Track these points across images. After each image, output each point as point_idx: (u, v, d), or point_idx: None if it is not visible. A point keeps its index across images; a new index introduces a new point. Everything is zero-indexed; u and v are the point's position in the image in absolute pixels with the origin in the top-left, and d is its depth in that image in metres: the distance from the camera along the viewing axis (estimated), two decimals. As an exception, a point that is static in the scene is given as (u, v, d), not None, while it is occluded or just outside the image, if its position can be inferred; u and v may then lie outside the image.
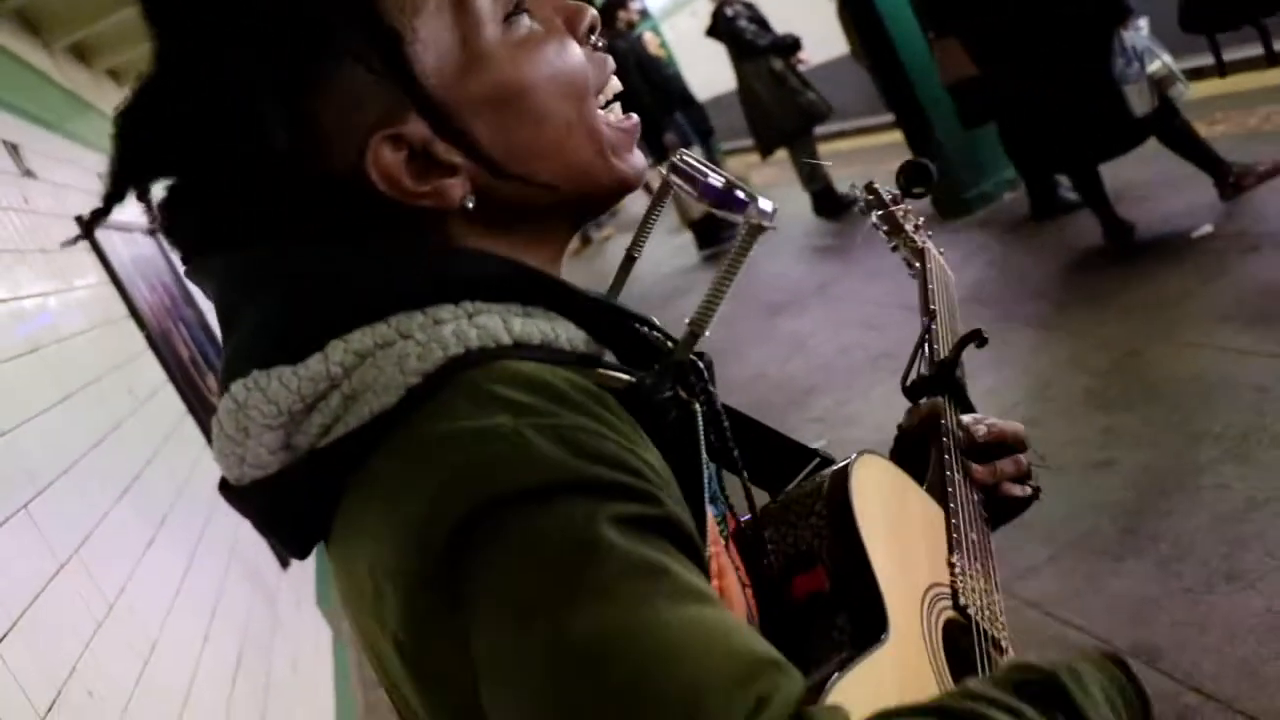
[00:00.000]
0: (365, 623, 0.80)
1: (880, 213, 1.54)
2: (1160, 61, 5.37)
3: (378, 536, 0.74)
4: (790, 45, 9.61)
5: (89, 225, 0.93)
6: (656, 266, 10.31)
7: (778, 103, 9.53)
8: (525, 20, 0.87)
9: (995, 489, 1.17)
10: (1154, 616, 3.02)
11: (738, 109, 10.03)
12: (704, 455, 0.86)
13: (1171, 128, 5.61)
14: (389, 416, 0.76)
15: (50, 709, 2.06)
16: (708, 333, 0.89)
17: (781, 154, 9.99)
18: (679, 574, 0.68)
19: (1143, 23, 5.38)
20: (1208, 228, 5.47)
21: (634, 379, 0.83)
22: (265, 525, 0.87)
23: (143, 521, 3.31)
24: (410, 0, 0.82)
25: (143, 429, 3.84)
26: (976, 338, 1.31)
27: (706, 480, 0.87)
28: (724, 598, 0.81)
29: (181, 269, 0.92)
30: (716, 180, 0.91)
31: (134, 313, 4.57)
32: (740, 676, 0.64)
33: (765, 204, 0.89)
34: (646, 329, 0.91)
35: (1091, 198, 5.92)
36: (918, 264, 1.48)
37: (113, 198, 0.87)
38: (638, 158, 0.93)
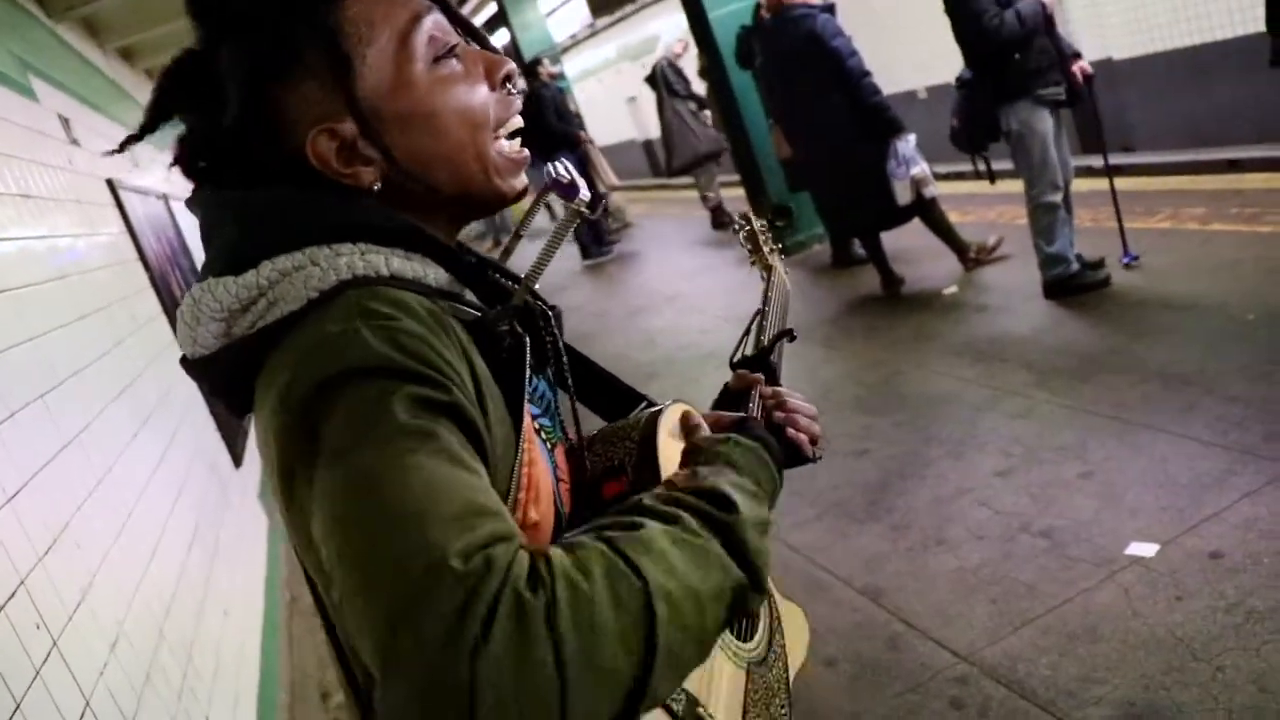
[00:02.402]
0: (266, 470, 0.82)
1: (748, 232, 1.55)
2: (920, 168, 5.55)
3: (269, 400, 0.78)
4: (701, 102, 9.81)
5: (123, 145, 0.98)
6: (555, 264, 10.25)
7: (695, 130, 9.76)
8: (452, 63, 0.90)
9: (784, 433, 1.13)
10: (882, 566, 3.09)
11: (624, 153, 10.06)
12: (528, 375, 0.89)
13: (929, 214, 5.79)
14: (293, 318, 0.80)
15: (47, 552, 2.04)
16: (538, 285, 0.93)
17: (665, 194, 10.03)
18: (442, 440, 0.72)
19: (911, 138, 5.54)
20: (954, 289, 5.62)
21: (480, 314, 0.88)
22: (212, 390, 0.90)
23: (132, 418, 3.24)
24: (368, 34, 0.86)
25: (139, 348, 3.75)
26: (788, 334, 1.34)
27: (531, 395, 0.93)
28: (530, 480, 0.85)
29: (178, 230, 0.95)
30: (565, 177, 0.97)
31: (142, 257, 4.44)
32: (455, 514, 0.68)
33: (585, 194, 0.96)
34: (507, 280, 0.96)
35: (874, 256, 6.02)
36: (766, 275, 1.48)
37: (143, 129, 0.93)
38: (519, 180, 0.95)
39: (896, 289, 5.93)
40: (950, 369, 4.50)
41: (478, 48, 0.94)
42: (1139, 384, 3.71)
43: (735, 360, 1.27)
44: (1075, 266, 4.85)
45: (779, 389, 1.19)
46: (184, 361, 0.89)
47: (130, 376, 3.43)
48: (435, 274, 0.88)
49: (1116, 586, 2.63)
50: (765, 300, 1.39)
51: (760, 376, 1.19)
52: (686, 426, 0.98)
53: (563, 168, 0.97)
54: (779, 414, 1.15)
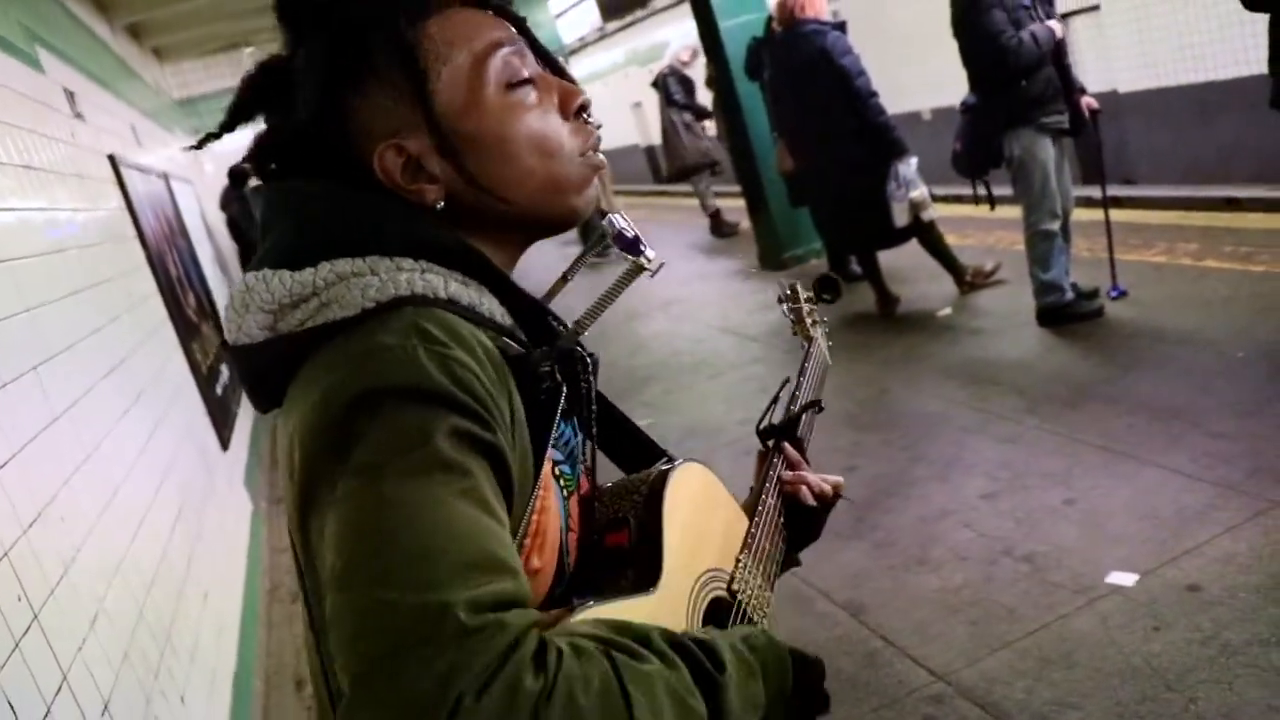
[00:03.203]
0: (284, 469, 0.82)
1: (793, 306, 1.53)
2: (919, 191, 5.57)
3: (305, 400, 0.78)
4: (702, 111, 9.90)
5: (202, 143, 0.98)
6: (548, 265, 10.24)
7: (685, 141, 9.90)
8: (526, 90, 0.90)
9: (797, 498, 1.16)
10: (865, 583, 3.09)
11: (627, 158, 10.12)
12: (558, 422, 0.88)
13: (926, 236, 5.82)
14: (345, 324, 0.80)
15: (31, 524, 2.04)
16: (586, 333, 0.95)
17: (653, 202, 10.07)
18: (475, 481, 0.72)
19: (913, 161, 5.57)
20: (948, 310, 5.65)
21: (526, 351, 0.87)
22: (244, 379, 0.90)
23: (122, 395, 3.23)
24: (447, 51, 0.87)
25: (133, 325, 3.75)
26: (816, 406, 1.31)
27: (556, 440, 0.90)
28: (539, 527, 0.85)
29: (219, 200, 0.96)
30: (629, 234, 0.98)
31: (140, 235, 4.44)
32: (472, 563, 0.67)
33: (651, 254, 0.97)
34: (556, 323, 0.95)
35: (870, 274, 6.04)
36: (806, 346, 1.46)
37: (224, 127, 0.94)
38: (593, 190, 0.95)
39: (892, 308, 5.95)
40: (941, 390, 4.52)
41: (555, 77, 0.95)
42: (1127, 415, 3.74)
43: (762, 428, 1.25)
44: (1070, 295, 4.88)
45: (800, 472, 1.19)
46: (224, 345, 0.89)
47: (123, 354, 3.42)
48: (490, 304, 0.88)
49: (1095, 614, 2.65)
50: (801, 370, 1.38)
51: (787, 448, 1.21)
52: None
53: (623, 221, 0.97)
54: (789, 487, 1.17)
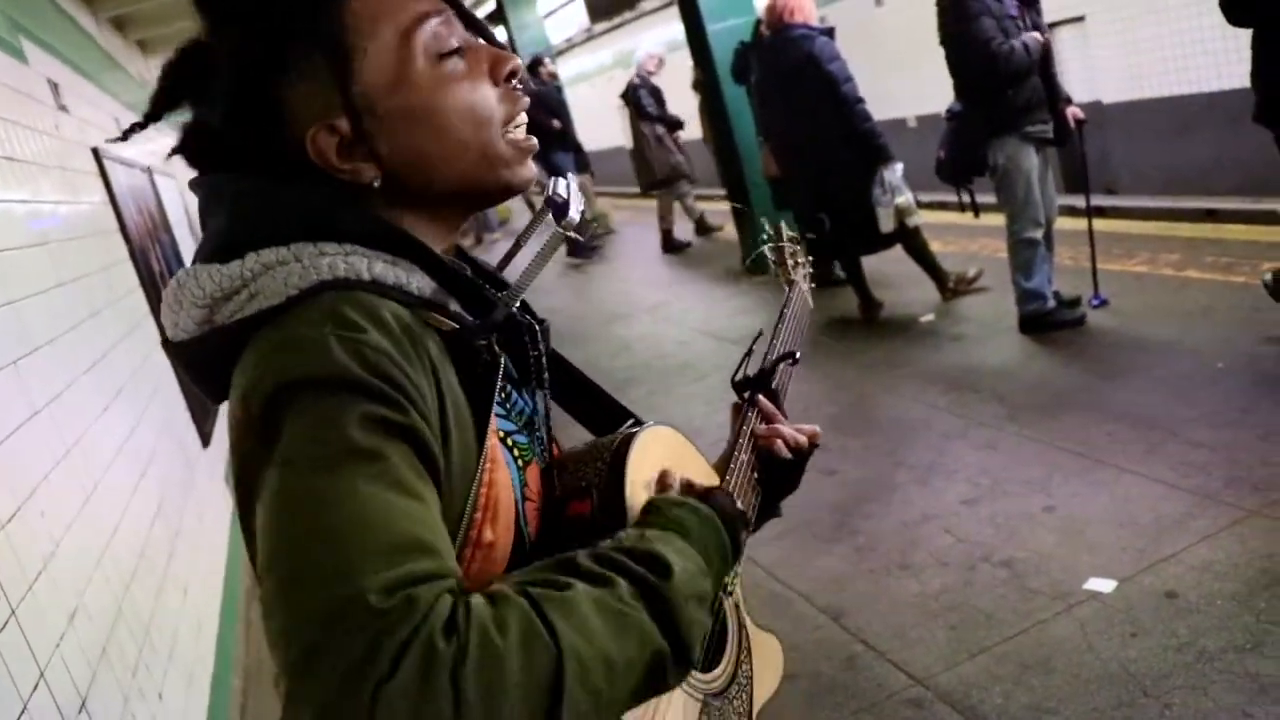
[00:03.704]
0: (230, 461, 0.81)
1: (775, 245, 1.50)
2: (905, 197, 5.59)
3: (237, 391, 0.79)
4: (673, 123, 9.80)
5: (126, 134, 0.97)
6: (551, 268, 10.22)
7: (655, 156, 9.76)
8: (455, 61, 0.89)
9: (772, 451, 1.15)
10: (845, 587, 3.10)
11: (612, 159, 10.10)
12: (502, 392, 0.89)
13: (911, 242, 5.85)
14: (272, 312, 0.80)
15: (10, 520, 2.02)
16: (521, 300, 0.93)
17: (642, 204, 10.07)
18: (390, 464, 0.72)
19: (898, 167, 5.59)
20: (931, 316, 5.68)
21: (460, 326, 0.86)
22: (189, 374, 0.90)
23: (103, 391, 3.21)
24: (372, 27, 0.86)
25: (115, 320, 3.72)
26: (791, 357, 1.29)
27: (509, 410, 0.93)
28: (489, 500, 0.83)
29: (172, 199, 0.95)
30: (561, 197, 0.95)
31: (123, 228, 4.40)
32: (388, 545, 0.68)
33: (574, 217, 0.95)
34: (497, 292, 0.93)
35: (854, 279, 6.06)
36: (787, 290, 1.43)
37: (148, 118, 0.93)
38: (529, 169, 0.94)
39: (875, 313, 5.97)
40: (923, 396, 4.54)
41: (484, 44, 0.94)
42: (1107, 423, 3.76)
43: (736, 380, 1.23)
44: (1052, 303, 4.91)
45: (775, 425, 1.18)
46: (165, 343, 0.89)
47: (104, 349, 3.40)
48: (419, 281, 0.87)
49: (1073, 620, 2.66)
50: (780, 316, 1.36)
51: (762, 401, 1.19)
52: (661, 485, 0.96)
53: (564, 187, 0.96)
54: (764, 441, 1.16)
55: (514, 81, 0.93)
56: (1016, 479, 3.51)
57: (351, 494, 0.69)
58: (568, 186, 0.96)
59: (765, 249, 1.51)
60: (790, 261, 1.49)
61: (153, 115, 0.93)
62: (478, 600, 0.69)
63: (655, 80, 10.02)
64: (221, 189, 0.89)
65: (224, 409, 0.85)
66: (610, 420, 1.13)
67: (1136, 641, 2.51)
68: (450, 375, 0.83)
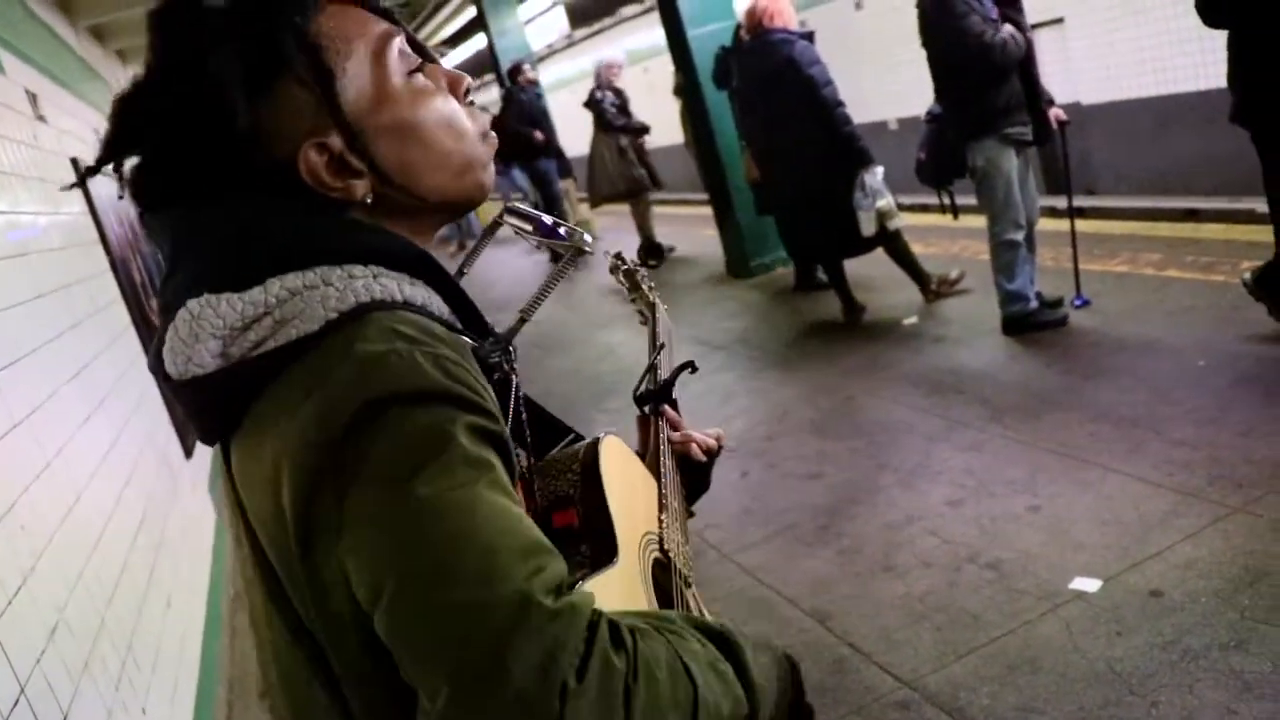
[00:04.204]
0: (259, 494, 0.80)
1: (625, 271, 1.55)
2: (886, 200, 5.61)
3: (289, 421, 0.76)
4: (638, 130, 9.59)
5: (83, 177, 0.98)
6: (518, 272, 10.26)
7: (615, 169, 9.51)
8: (421, 78, 0.91)
9: (689, 455, 1.27)
10: (830, 590, 3.11)
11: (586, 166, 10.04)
12: (511, 411, 0.92)
13: (892, 245, 5.86)
14: (309, 339, 0.78)
15: (-11, 532, 2.02)
16: (530, 323, 0.99)
17: (621, 208, 10.04)
18: (499, 472, 0.74)
19: (879, 170, 5.60)
20: (913, 319, 5.68)
21: (476, 343, 0.89)
22: (192, 413, 0.87)
23: (84, 402, 3.20)
24: (345, 47, 0.87)
25: (96, 331, 3.71)
26: (689, 366, 1.37)
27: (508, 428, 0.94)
28: None
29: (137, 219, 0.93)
30: (546, 220, 1.00)
31: (104, 240, 4.39)
32: (527, 549, 0.70)
33: (588, 237, 1.01)
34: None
35: (836, 282, 6.07)
36: (649, 314, 1.50)
37: (102, 161, 0.91)
38: (491, 173, 0.96)
39: (857, 316, 5.98)
40: (906, 398, 4.55)
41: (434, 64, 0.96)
42: (1090, 422, 3.78)
43: (639, 393, 1.31)
44: (1034, 304, 4.93)
45: (688, 433, 1.29)
46: (169, 381, 0.85)
47: (85, 359, 3.39)
48: (437, 302, 0.88)
49: (1059, 620, 2.67)
50: (654, 336, 1.43)
51: (668, 411, 1.28)
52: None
53: (524, 208, 1.01)
54: (679, 447, 1.26)
55: (469, 99, 0.96)
56: (1001, 480, 3.52)
57: (479, 502, 0.71)
58: (530, 209, 1.04)
59: (619, 276, 1.56)
60: (644, 285, 1.54)
61: (105, 159, 0.90)
62: (627, 624, 0.72)
63: (618, 84, 9.76)
64: (211, 217, 0.85)
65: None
66: (550, 434, 1.14)
67: (1122, 640, 2.52)
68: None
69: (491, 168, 0.96)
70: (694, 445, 1.26)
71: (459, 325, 0.90)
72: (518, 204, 1.02)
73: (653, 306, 1.51)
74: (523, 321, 0.94)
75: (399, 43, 0.90)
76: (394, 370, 0.75)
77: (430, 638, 0.67)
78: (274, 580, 0.82)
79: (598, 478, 0.98)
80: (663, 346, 1.38)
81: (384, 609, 0.70)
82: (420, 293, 0.86)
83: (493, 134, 0.97)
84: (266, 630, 0.86)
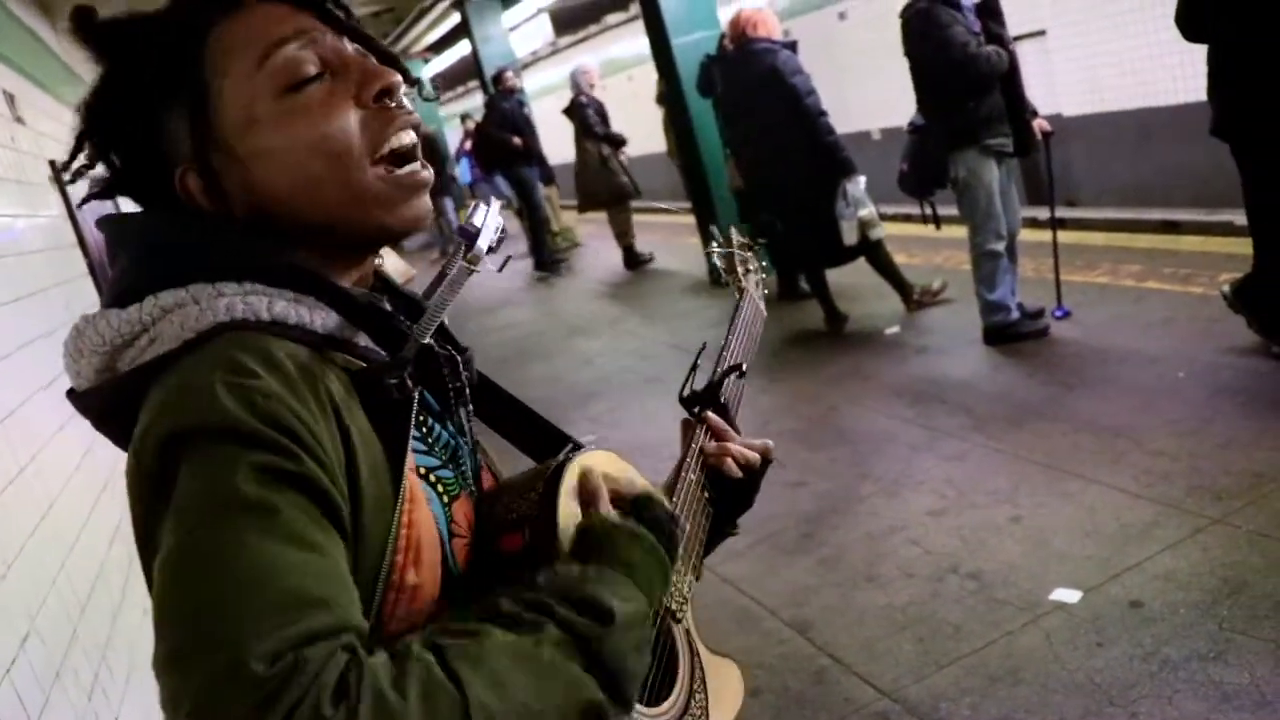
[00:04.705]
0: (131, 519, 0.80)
1: (724, 251, 1.44)
2: (868, 210, 5.64)
3: (133, 441, 0.76)
4: (618, 141, 9.63)
5: (63, 182, 0.99)
6: (498, 279, 10.24)
7: (598, 177, 9.56)
8: (311, 89, 0.84)
9: (721, 470, 1.11)
10: (811, 600, 3.10)
11: (571, 174, 10.02)
12: (423, 428, 0.88)
13: (874, 255, 5.88)
14: (170, 357, 0.78)
15: (-39, 542, 1.99)
16: (442, 329, 0.94)
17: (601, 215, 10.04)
18: (284, 517, 0.69)
19: (861, 180, 5.62)
20: (895, 328, 5.70)
21: (368, 364, 0.83)
22: (96, 423, 0.87)
23: (58, 410, 3.14)
24: (223, 65, 0.84)
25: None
26: (738, 370, 1.25)
27: (431, 445, 0.89)
28: (408, 541, 0.80)
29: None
30: (473, 227, 0.89)
31: (81, 244, 4.35)
32: (283, 604, 0.65)
33: (481, 249, 0.88)
34: (408, 325, 0.87)
35: (818, 292, 6.09)
36: (738, 297, 1.38)
37: (66, 165, 0.91)
38: (412, 208, 0.87)
39: (840, 325, 6.00)
40: (888, 408, 4.56)
41: (373, 60, 0.89)
42: (1071, 433, 3.79)
43: (685, 395, 1.19)
44: (1015, 315, 4.95)
45: (724, 442, 1.13)
46: (69, 393, 0.86)
47: (61, 366, 3.35)
48: (324, 318, 0.83)
49: (1040, 631, 2.67)
50: (731, 325, 1.31)
51: (710, 417, 1.14)
52: (584, 491, 0.90)
53: (481, 215, 0.90)
54: (713, 459, 1.12)
55: (388, 100, 0.87)
56: (983, 490, 3.53)
57: (239, 550, 0.67)
58: (485, 215, 0.90)
59: (716, 255, 1.45)
60: (741, 269, 1.43)
61: (71, 160, 0.90)
62: (377, 660, 0.67)
63: (596, 93, 9.79)
64: (125, 228, 0.88)
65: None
66: (549, 444, 1.06)
67: (1102, 651, 2.53)
68: (359, 414, 0.80)
69: (402, 204, 0.87)
70: (728, 460, 1.11)
71: (353, 343, 0.85)
72: (469, 224, 0.90)
73: (743, 292, 1.38)
74: (417, 339, 0.85)
75: (290, 50, 0.84)
76: (197, 402, 0.73)
77: (160, 680, 0.66)
78: None
79: (554, 500, 0.88)
80: (704, 346, 1.25)
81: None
82: (299, 310, 0.82)
83: (401, 146, 0.86)
84: None
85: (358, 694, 0.63)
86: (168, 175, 0.86)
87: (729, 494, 1.13)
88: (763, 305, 1.42)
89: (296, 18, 0.86)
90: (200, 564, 0.67)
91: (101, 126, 0.88)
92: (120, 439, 0.83)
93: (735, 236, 1.46)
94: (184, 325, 0.78)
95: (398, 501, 0.79)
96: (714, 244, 1.46)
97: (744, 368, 1.25)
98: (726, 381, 1.21)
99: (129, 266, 0.84)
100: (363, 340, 0.86)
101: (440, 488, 0.88)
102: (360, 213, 0.85)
